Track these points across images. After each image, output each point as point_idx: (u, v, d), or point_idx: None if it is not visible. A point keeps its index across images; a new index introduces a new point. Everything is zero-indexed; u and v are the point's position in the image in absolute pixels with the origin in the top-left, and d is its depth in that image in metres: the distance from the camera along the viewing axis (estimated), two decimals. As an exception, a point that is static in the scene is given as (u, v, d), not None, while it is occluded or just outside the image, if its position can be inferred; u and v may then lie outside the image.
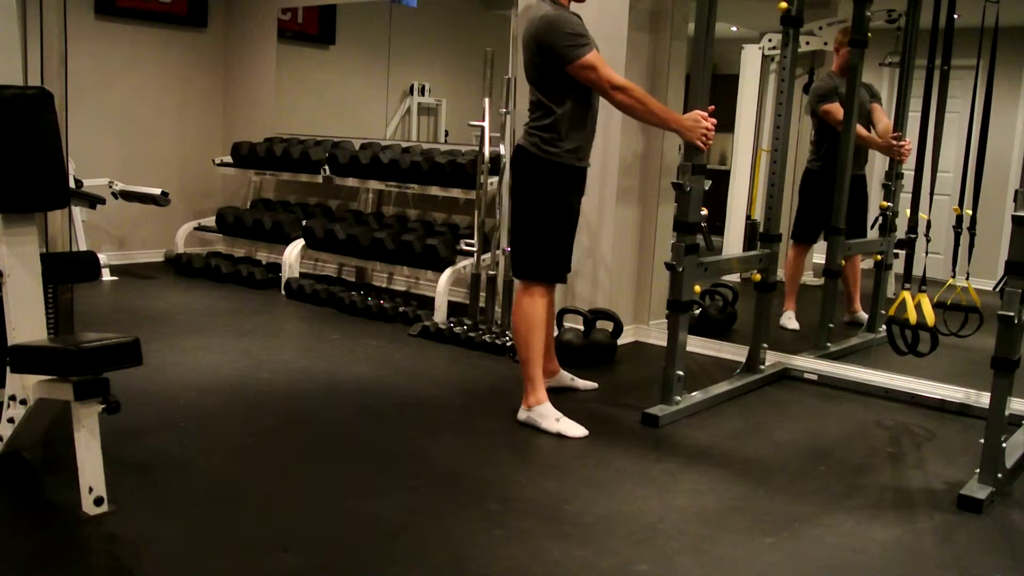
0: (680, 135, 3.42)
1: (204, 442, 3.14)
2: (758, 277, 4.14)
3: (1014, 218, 2.81)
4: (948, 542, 2.60)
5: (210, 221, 6.69)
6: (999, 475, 2.91)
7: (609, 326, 4.50)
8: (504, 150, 4.85)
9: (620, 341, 4.59)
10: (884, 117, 5.07)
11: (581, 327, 4.39)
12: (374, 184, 5.92)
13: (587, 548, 2.44)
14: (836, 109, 4.85)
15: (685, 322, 3.59)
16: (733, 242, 6.83)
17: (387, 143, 6.15)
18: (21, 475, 2.78)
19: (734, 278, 5.92)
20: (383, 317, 5.19)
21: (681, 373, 3.62)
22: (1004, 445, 2.93)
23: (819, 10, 5.99)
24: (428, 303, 5.32)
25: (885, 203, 4.81)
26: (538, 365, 3.43)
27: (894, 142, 4.79)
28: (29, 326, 2.64)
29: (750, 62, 6.74)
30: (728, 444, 3.38)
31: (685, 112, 3.46)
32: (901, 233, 4.17)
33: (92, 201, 5.57)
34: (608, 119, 4.65)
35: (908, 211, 4.00)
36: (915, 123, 3.97)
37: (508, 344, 4.51)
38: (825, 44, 6.00)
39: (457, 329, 4.72)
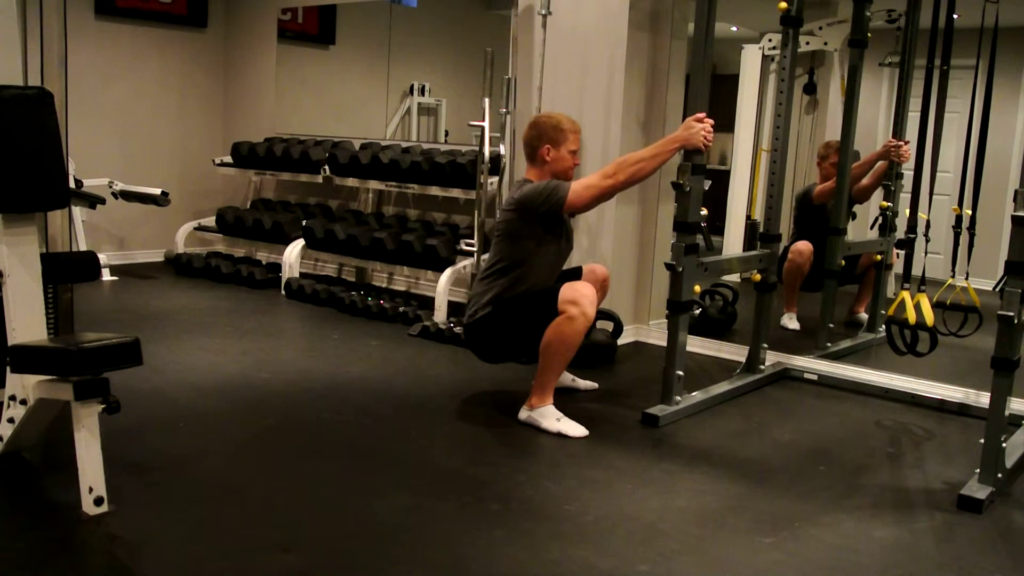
0: (685, 147, 3.43)
1: (204, 442, 3.14)
2: (758, 277, 4.14)
3: (1014, 218, 2.81)
4: (948, 542, 2.60)
5: (210, 221, 6.69)
6: (999, 475, 2.91)
7: (609, 326, 4.50)
8: (504, 150, 4.86)
9: (620, 341, 4.59)
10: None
11: (581, 327, 4.39)
12: (374, 184, 5.92)
13: (587, 548, 2.44)
14: (826, 185, 5.03)
15: (685, 322, 3.59)
16: (733, 242, 6.83)
17: (387, 143, 6.15)
18: (21, 475, 2.78)
19: (734, 278, 5.92)
20: (383, 317, 5.19)
21: (681, 373, 3.62)
22: (1004, 445, 2.93)
23: (819, 10, 5.99)
24: (428, 303, 5.33)
25: (885, 203, 4.81)
26: (557, 377, 3.44)
27: (892, 146, 4.79)
28: (29, 326, 2.64)
29: (750, 62, 6.74)
30: (728, 444, 3.38)
31: (684, 117, 3.48)
32: (901, 233, 4.17)
33: (92, 201, 5.57)
34: (607, 119, 4.66)
35: (908, 211, 4.00)
36: (915, 123, 3.97)
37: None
38: (825, 44, 6.00)
39: (457, 329, 4.72)
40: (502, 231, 3.50)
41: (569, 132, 3.51)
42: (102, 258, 5.82)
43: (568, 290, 3.32)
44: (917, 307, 3.67)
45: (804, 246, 5.12)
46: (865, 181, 5.05)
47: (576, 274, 3.73)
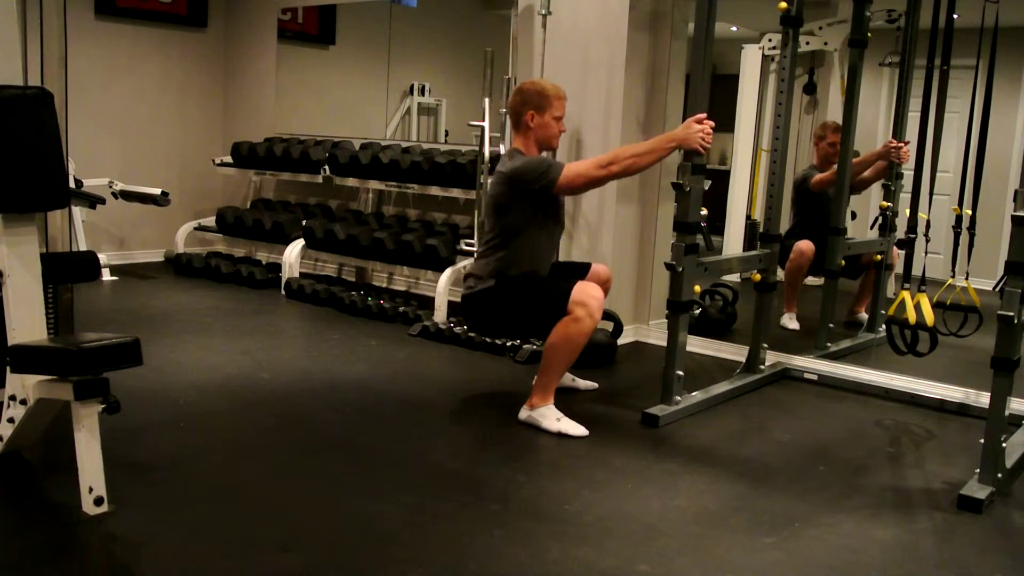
0: (682, 147, 3.43)
1: (204, 442, 3.14)
2: (758, 277, 4.14)
3: (1014, 218, 2.81)
4: (948, 542, 2.60)
5: (210, 221, 6.69)
6: (999, 475, 2.91)
7: (609, 326, 4.50)
8: (504, 150, 4.85)
9: (620, 341, 4.59)
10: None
11: (581, 327, 4.39)
12: (374, 184, 5.92)
13: (587, 548, 2.44)
14: (824, 175, 5.11)
15: (685, 322, 3.59)
16: (733, 242, 6.83)
17: (387, 143, 6.15)
18: (21, 475, 2.78)
19: (734, 278, 5.92)
20: (383, 317, 5.19)
21: (681, 373, 3.62)
22: (1004, 445, 2.93)
23: (819, 10, 6.00)
24: (428, 303, 5.33)
25: (885, 203, 4.81)
26: (559, 377, 3.44)
27: (892, 147, 4.78)
28: (29, 326, 2.64)
29: (750, 62, 6.74)
30: (728, 444, 3.38)
31: (684, 117, 3.48)
32: (901, 233, 4.17)
33: (92, 201, 5.57)
34: (607, 119, 4.66)
35: (908, 211, 4.00)
36: (915, 123, 3.97)
37: (508, 344, 4.51)
38: (825, 44, 6.01)
39: (457, 329, 4.72)
40: (492, 204, 3.50)
41: (554, 98, 3.49)
42: (102, 258, 5.82)
43: (578, 291, 3.30)
44: (917, 307, 3.67)
45: (807, 246, 5.11)
46: (866, 174, 5.06)
47: (583, 270, 3.73)
